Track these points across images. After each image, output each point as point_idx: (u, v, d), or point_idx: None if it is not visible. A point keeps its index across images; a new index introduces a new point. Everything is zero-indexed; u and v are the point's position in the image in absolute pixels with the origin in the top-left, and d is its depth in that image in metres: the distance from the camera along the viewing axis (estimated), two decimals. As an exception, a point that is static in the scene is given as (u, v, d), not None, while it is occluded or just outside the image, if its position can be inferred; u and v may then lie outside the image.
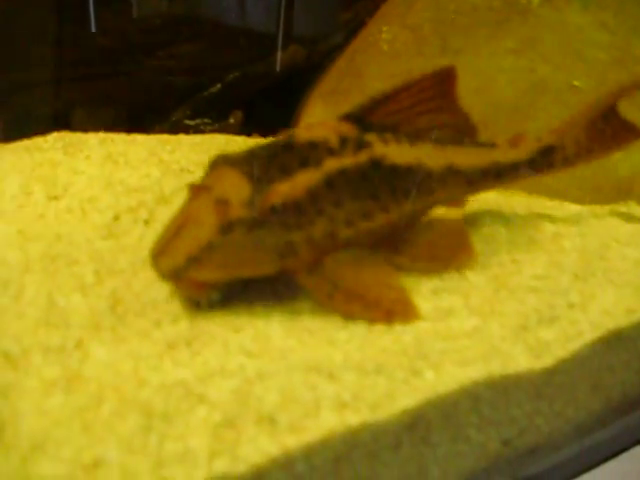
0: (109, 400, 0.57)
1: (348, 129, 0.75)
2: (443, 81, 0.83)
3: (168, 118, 1.24)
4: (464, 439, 0.69)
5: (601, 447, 0.84)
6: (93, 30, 1.24)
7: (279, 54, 1.31)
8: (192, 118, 1.24)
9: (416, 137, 0.79)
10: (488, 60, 1.16)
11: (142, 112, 1.25)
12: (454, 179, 0.82)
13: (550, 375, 0.71)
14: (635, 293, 0.83)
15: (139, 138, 1.08)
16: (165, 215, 0.84)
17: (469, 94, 1.08)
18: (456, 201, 0.86)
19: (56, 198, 0.86)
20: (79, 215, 0.84)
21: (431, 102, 0.82)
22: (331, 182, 0.71)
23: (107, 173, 0.93)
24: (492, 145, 0.86)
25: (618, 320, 0.76)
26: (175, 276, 0.67)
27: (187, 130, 1.22)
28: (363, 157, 0.74)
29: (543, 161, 0.86)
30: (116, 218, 0.84)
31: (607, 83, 1.11)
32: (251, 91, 1.28)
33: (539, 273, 0.84)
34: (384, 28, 1.20)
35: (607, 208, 0.89)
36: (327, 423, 0.58)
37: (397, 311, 0.70)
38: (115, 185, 0.90)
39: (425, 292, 0.77)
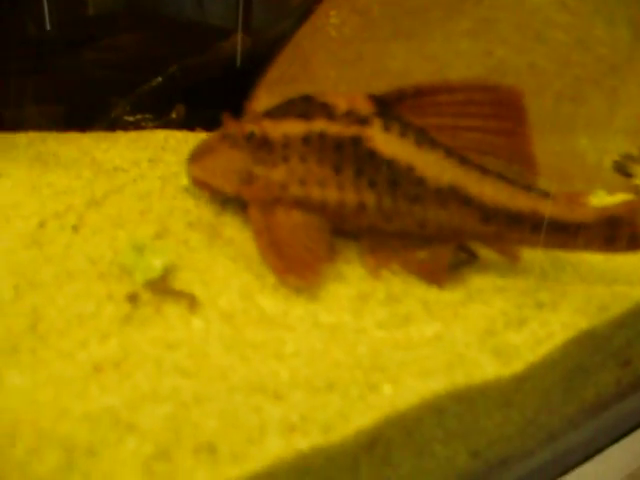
0: (25, 436, 0.54)
1: (364, 104, 0.78)
2: (507, 102, 0.78)
3: (107, 115, 1.21)
4: (429, 455, 0.67)
5: (575, 450, 0.83)
6: (48, 27, 1.20)
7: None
8: (133, 114, 1.21)
9: (434, 143, 0.76)
10: (443, 44, 1.15)
11: (80, 109, 1.21)
12: (460, 206, 0.77)
13: (520, 382, 0.70)
14: (607, 289, 0.82)
15: (72, 137, 1.05)
16: (95, 220, 0.82)
17: (424, 79, 1.07)
18: (500, 248, 0.80)
19: (-23, 206, 0.82)
20: (1, 223, 0.80)
21: (491, 121, 0.78)
22: (308, 139, 0.78)
23: (34, 176, 0.90)
24: (542, 193, 0.78)
25: (591, 319, 0.76)
26: (187, 166, 0.87)
27: (127, 127, 1.19)
28: (350, 131, 0.77)
29: (602, 233, 0.77)
30: (41, 225, 0.80)
31: (569, 65, 1.13)
32: (193, 83, 1.26)
33: (505, 271, 0.82)
34: (332, 12, 1.19)
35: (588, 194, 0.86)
36: (273, 449, 0.55)
37: (299, 272, 0.74)
38: (42, 188, 0.87)
39: (381, 297, 0.75)
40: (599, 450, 0.85)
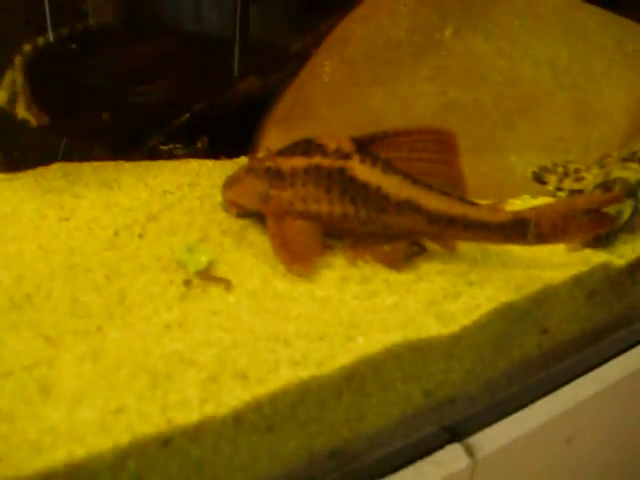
0: (125, 366, 0.67)
1: (347, 145, 0.91)
2: (445, 140, 0.92)
3: (145, 145, 1.28)
4: (392, 390, 0.79)
5: (511, 400, 0.93)
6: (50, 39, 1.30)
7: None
8: (166, 144, 1.28)
9: (396, 170, 0.89)
10: (409, 87, 1.25)
11: (123, 140, 1.29)
12: (413, 213, 0.89)
13: (457, 339, 0.80)
14: (524, 272, 0.91)
15: (126, 165, 1.12)
16: (155, 229, 0.93)
17: (394, 116, 1.21)
18: (441, 242, 0.93)
19: (66, 219, 0.93)
20: (86, 232, 0.91)
21: (434, 154, 0.91)
22: (308, 170, 0.91)
23: (104, 197, 1.00)
24: (470, 203, 0.89)
25: (509, 294, 0.86)
26: (221, 191, 1.02)
27: (162, 154, 1.26)
28: (337, 163, 0.90)
29: (515, 230, 0.88)
30: (116, 233, 0.91)
31: (503, 99, 1.24)
32: (214, 119, 1.33)
33: (445, 259, 0.92)
34: (325, 62, 1.29)
35: (505, 202, 0.92)
36: (285, 377, 0.68)
37: (301, 263, 0.88)
38: (112, 207, 0.97)
39: (357, 278, 0.86)
40: (533, 400, 0.94)
